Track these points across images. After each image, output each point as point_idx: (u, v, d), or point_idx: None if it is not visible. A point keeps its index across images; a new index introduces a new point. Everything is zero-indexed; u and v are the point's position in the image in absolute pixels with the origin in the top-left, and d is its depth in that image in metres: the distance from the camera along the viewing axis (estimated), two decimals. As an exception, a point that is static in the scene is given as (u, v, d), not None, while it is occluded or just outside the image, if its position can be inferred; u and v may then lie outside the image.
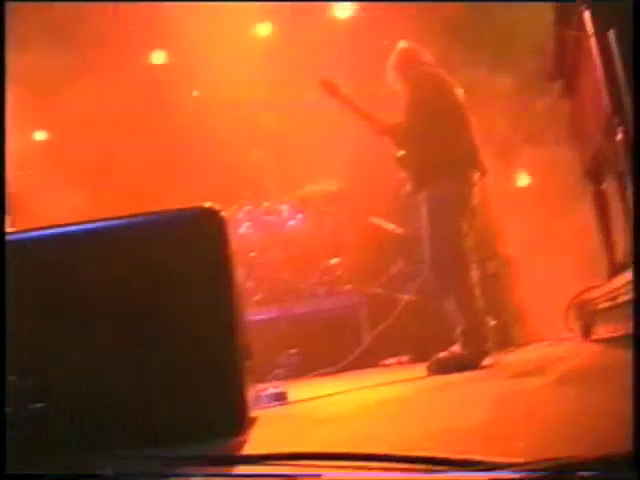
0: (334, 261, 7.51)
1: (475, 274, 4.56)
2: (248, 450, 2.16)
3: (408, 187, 4.86)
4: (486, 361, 4.43)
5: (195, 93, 8.54)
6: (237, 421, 2.54)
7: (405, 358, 6.71)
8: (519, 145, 7.43)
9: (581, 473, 1.20)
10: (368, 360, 6.26)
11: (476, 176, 4.66)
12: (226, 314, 2.60)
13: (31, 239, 2.70)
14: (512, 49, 7.05)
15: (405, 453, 1.67)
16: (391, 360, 6.73)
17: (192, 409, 2.51)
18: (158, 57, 8.20)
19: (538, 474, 1.26)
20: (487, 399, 2.80)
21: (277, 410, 3.46)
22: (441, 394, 3.41)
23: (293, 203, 7.78)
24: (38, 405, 2.53)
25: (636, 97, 2.87)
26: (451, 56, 6.62)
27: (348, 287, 7.14)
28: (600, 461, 1.21)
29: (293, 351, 6.54)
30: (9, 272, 2.59)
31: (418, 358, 5.96)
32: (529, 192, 7.77)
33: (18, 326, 2.56)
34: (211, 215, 2.66)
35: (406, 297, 6.15)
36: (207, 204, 2.70)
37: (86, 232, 2.68)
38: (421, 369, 4.55)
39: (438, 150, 4.61)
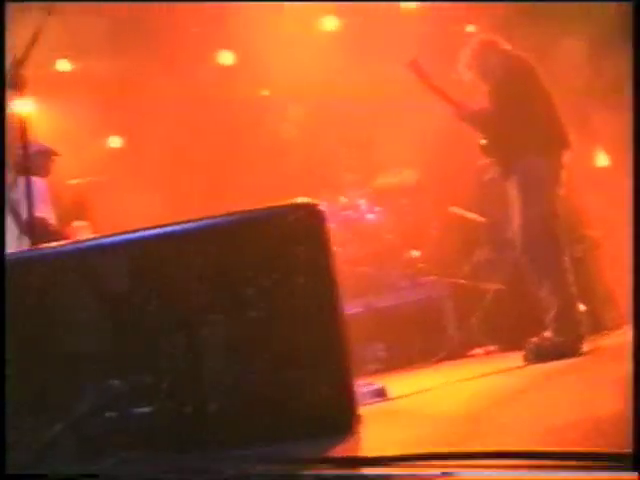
0: (415, 253, 7.39)
1: (567, 258, 4.44)
2: (368, 450, 2.11)
3: (495, 173, 4.75)
4: (584, 347, 4.30)
5: (265, 92, 8.51)
6: (348, 418, 2.50)
7: (492, 348, 6.56)
8: (595, 113, 7.15)
9: None
10: (455, 351, 6.16)
11: (566, 156, 4.53)
12: (333, 310, 2.55)
13: (125, 242, 2.70)
14: (582, 9, 6.76)
15: (546, 449, 1.59)
16: (478, 350, 6.59)
17: (303, 407, 2.47)
18: (226, 57, 8.19)
19: None
20: (601, 386, 2.69)
21: (380, 406, 3.39)
22: (552, 383, 3.30)
23: (370, 197, 7.68)
24: (143, 409, 2.53)
25: (636, 97, 2.72)
26: (519, 19, 6.47)
27: (431, 278, 7.02)
28: None
29: (381, 346, 6.47)
30: (101, 276, 2.59)
31: (506, 347, 5.82)
32: (609, 168, 7.49)
33: (125, 328, 2.57)
34: (310, 209, 2.61)
35: (493, 286, 6.01)
36: (303, 199, 2.65)
37: (184, 232, 2.66)
38: (514, 358, 4.42)
39: (528, 133, 4.48)
